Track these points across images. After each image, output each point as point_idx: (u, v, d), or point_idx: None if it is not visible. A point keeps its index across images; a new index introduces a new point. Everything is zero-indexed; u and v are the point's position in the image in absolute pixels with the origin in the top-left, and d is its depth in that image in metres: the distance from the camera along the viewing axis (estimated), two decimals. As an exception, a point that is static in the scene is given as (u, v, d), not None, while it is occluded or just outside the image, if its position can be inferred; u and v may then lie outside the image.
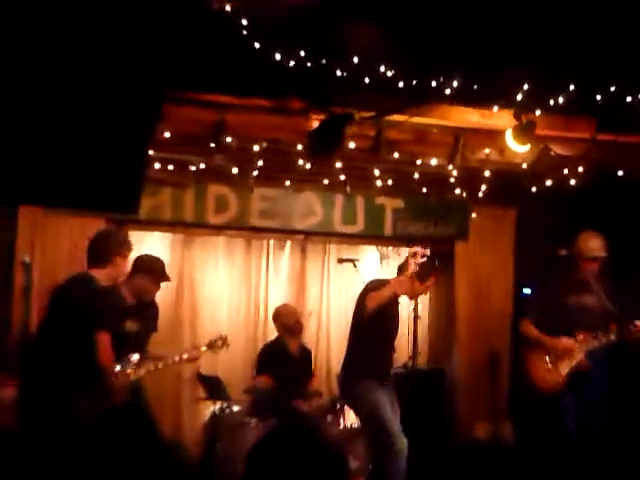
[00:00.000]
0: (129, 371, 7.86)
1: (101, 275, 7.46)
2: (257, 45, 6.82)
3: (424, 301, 10.58)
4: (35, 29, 6.70)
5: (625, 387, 9.13)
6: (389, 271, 10.62)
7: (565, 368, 8.54)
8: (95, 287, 7.37)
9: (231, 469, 8.62)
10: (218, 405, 9.26)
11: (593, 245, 8.63)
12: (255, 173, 9.25)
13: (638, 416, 9.30)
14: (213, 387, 9.38)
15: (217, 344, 8.70)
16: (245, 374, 10.27)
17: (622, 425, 8.94)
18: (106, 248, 7.52)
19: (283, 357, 9.75)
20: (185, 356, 8.40)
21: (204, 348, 8.62)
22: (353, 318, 8.29)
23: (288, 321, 9.92)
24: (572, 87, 7.30)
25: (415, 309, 9.16)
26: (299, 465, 3.36)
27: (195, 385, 9.65)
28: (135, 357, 7.71)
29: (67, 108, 7.22)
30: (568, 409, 8.49)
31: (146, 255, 8.69)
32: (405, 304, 9.11)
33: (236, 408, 9.30)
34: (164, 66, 7.06)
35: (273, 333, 10.30)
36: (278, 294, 10.78)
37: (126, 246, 7.71)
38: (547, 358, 8.61)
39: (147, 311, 8.45)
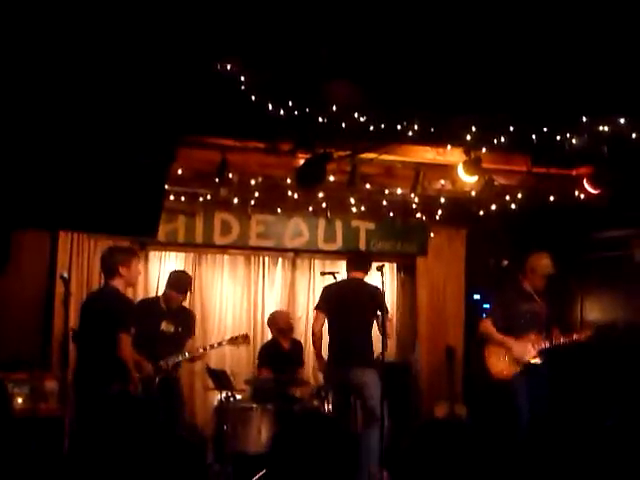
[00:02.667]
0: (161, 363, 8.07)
1: (118, 284, 7.50)
2: (253, 98, 6.79)
3: (389, 306, 10.62)
4: (73, 81, 6.76)
5: (563, 378, 9.17)
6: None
7: (520, 363, 8.54)
8: (116, 296, 7.40)
9: (237, 445, 8.63)
10: (224, 394, 9.24)
11: (545, 264, 8.65)
12: (253, 202, 9.26)
13: (574, 403, 9.33)
14: (220, 379, 9.35)
15: (239, 340, 9.04)
16: (247, 368, 10.21)
17: (561, 408, 8.97)
18: (112, 262, 7.56)
19: (278, 353, 9.72)
20: (200, 350, 8.76)
21: (225, 342, 9.00)
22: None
23: (280, 324, 9.90)
24: (511, 128, 7.30)
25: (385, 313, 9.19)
26: (319, 447, 3.32)
27: (205, 378, 9.60)
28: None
29: (103, 150, 7.30)
30: (520, 392, 8.49)
31: (174, 271, 9.20)
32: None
33: (239, 396, 9.26)
34: (178, 116, 7.16)
35: (268, 333, 10.27)
36: (273, 301, 10.71)
37: (128, 257, 7.72)
38: (505, 354, 8.61)
39: (182, 316, 8.82)
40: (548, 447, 8.26)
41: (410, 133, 7.27)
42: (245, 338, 9.09)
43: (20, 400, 8.06)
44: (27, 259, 9.04)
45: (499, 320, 8.66)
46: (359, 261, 8.86)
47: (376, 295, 8.29)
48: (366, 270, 8.78)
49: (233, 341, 9.02)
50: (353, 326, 8.44)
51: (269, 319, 10.12)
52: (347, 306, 8.54)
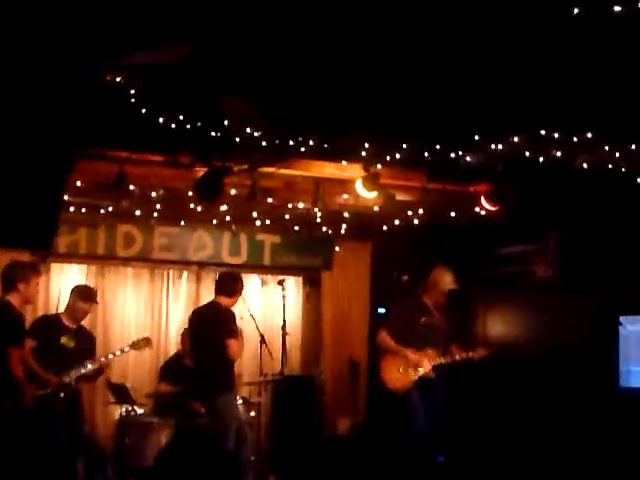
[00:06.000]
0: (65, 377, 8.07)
1: (14, 299, 7.45)
2: (143, 110, 6.82)
3: (294, 320, 10.74)
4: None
5: (460, 392, 9.30)
6: (268, 294, 10.84)
7: (414, 375, 8.65)
8: (7, 311, 7.35)
9: (137, 459, 8.70)
10: (125, 408, 9.23)
11: (447, 279, 8.77)
12: (155, 214, 9.22)
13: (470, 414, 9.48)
14: (121, 393, 9.33)
15: (140, 344, 8.95)
16: (149, 382, 10.14)
17: (458, 421, 9.10)
18: (12, 276, 7.51)
19: (181, 369, 9.68)
20: (103, 359, 8.66)
21: (127, 348, 8.86)
22: None
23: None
24: (405, 145, 7.42)
25: (284, 327, 9.27)
26: (200, 465, 3.34)
27: (106, 392, 9.58)
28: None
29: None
30: (417, 407, 8.60)
31: (80, 284, 9.13)
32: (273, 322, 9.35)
33: (140, 410, 9.25)
34: (74, 128, 7.15)
35: (172, 347, 10.33)
36: (177, 315, 10.67)
37: (29, 273, 7.69)
38: (400, 365, 8.71)
39: (82, 333, 8.77)
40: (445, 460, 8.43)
41: (304, 148, 7.33)
42: (147, 341, 9.03)
43: None
44: None
45: (396, 332, 8.76)
46: (221, 284, 8.89)
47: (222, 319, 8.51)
48: (228, 294, 8.77)
49: (135, 346, 8.93)
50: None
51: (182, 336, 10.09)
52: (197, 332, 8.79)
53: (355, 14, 6.19)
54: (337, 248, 10.55)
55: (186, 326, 9.71)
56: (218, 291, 8.74)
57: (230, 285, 8.76)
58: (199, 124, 7.04)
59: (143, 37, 6.26)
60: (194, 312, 9.05)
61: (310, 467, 4.04)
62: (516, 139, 7.42)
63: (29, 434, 7.12)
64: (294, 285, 11.04)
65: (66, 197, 8.31)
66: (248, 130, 7.14)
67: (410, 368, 8.65)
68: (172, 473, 3.37)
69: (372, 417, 9.75)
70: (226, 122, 7.09)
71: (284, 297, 8.80)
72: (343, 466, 3.96)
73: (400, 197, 8.50)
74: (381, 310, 10.45)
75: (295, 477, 4.00)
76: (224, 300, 8.66)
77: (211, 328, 8.50)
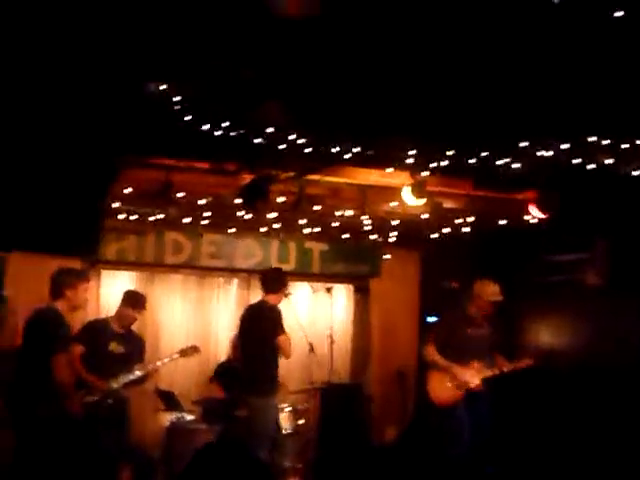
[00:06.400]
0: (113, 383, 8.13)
1: (60, 305, 7.51)
2: (187, 118, 6.87)
3: (343, 328, 10.75)
4: (13, 105, 6.85)
5: (506, 405, 9.21)
6: (316, 302, 10.84)
7: (461, 391, 8.58)
8: (53, 317, 7.41)
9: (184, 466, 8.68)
10: (175, 414, 9.28)
11: (491, 291, 8.67)
12: (203, 222, 9.26)
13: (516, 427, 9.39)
14: (169, 400, 9.40)
15: (188, 352, 8.92)
16: (198, 389, 10.19)
17: (503, 434, 9.01)
18: (60, 283, 7.58)
19: (231, 375, 9.69)
20: (150, 366, 8.62)
21: (176, 355, 8.84)
22: None
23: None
24: (451, 152, 7.38)
25: (331, 335, 9.27)
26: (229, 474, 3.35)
27: (155, 398, 9.63)
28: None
29: (47, 178, 7.41)
30: (462, 420, 8.52)
31: (130, 290, 9.10)
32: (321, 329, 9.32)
33: (190, 417, 9.31)
34: (119, 137, 7.26)
35: (222, 354, 10.34)
36: (226, 322, 10.71)
37: (76, 281, 7.75)
38: (447, 380, 8.63)
39: (132, 338, 8.76)
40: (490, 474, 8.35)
41: (348, 155, 7.33)
42: (195, 349, 9.00)
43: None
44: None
45: (442, 345, 8.68)
46: (266, 281, 8.87)
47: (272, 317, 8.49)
48: (274, 291, 8.76)
49: (183, 353, 8.91)
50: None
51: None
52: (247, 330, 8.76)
53: (397, 19, 6.20)
54: (386, 256, 10.54)
55: (236, 332, 9.76)
56: (265, 290, 8.77)
57: (275, 281, 8.78)
58: (243, 131, 7.07)
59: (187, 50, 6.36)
60: (244, 311, 9.06)
61: (356, 475, 4.04)
62: (563, 146, 7.34)
63: (69, 439, 7.26)
64: (343, 293, 11.05)
65: (114, 205, 8.48)
66: (292, 137, 7.15)
67: (457, 384, 8.56)
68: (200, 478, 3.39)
69: (418, 427, 9.69)
70: (270, 129, 7.10)
71: (331, 305, 8.78)
72: (389, 475, 3.94)
73: (447, 205, 8.50)
74: (430, 319, 10.39)
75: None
76: (271, 298, 8.67)
77: (262, 326, 8.50)
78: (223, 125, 6.99)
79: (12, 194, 7.71)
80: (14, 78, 6.52)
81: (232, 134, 7.03)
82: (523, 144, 7.33)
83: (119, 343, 8.58)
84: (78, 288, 7.77)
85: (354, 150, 7.35)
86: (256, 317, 8.67)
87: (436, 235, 9.54)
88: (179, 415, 9.26)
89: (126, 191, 8.20)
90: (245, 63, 6.49)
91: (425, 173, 7.83)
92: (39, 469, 7.06)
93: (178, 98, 6.73)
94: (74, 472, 7.35)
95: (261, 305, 8.72)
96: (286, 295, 8.93)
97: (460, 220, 9.00)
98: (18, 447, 7.25)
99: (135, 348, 8.71)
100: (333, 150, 7.28)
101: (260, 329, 8.48)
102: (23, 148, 7.35)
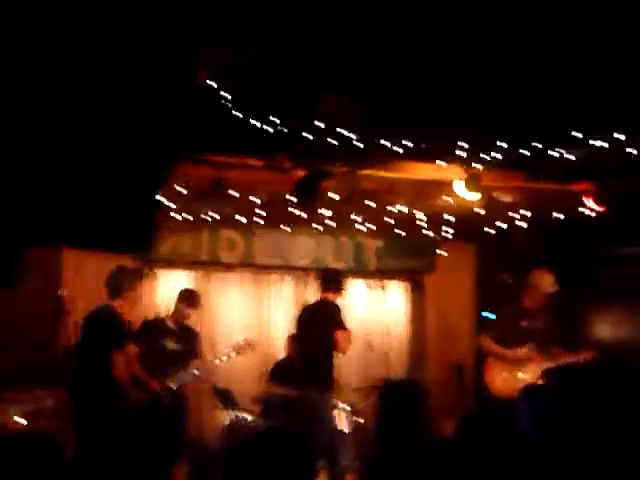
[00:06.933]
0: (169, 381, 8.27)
1: (118, 304, 7.62)
2: (238, 114, 6.91)
3: (399, 324, 10.76)
4: (72, 104, 6.95)
5: (568, 397, 9.13)
6: (372, 298, 10.83)
7: (519, 381, 8.54)
8: (111, 316, 7.50)
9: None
10: (233, 412, 9.34)
11: (547, 282, 8.61)
12: (257, 219, 9.26)
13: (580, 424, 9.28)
14: (226, 397, 9.47)
15: (243, 348, 9.04)
16: (254, 386, 10.17)
17: (567, 429, 8.92)
18: (118, 282, 7.66)
19: (289, 373, 9.76)
20: (207, 364, 8.81)
21: (233, 353, 8.95)
22: None
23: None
24: (504, 144, 7.34)
25: (386, 332, 9.28)
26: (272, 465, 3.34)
27: (211, 396, 9.71)
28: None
29: (100, 177, 7.51)
30: (522, 412, 8.46)
31: (185, 288, 9.23)
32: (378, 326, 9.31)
33: (249, 415, 9.37)
34: (173, 133, 7.31)
35: (278, 351, 10.40)
36: (281, 320, 10.76)
37: (135, 280, 7.84)
38: (504, 371, 8.59)
39: (187, 335, 8.88)
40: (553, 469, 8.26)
41: (401, 150, 7.32)
42: (250, 346, 9.12)
43: (21, 417, 8.19)
44: (34, 276, 9.20)
45: (498, 337, 8.63)
46: (326, 281, 8.97)
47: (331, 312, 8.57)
48: (333, 291, 8.86)
49: (239, 351, 9.03)
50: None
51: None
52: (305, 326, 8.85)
53: (448, 11, 6.21)
54: (441, 251, 10.52)
55: (292, 330, 9.82)
56: (324, 289, 8.83)
57: (335, 282, 8.88)
58: (295, 126, 7.09)
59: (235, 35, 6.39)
60: (302, 309, 9.16)
61: (416, 471, 4.01)
62: (619, 136, 7.26)
63: (127, 436, 7.34)
64: (398, 289, 11.08)
65: (168, 203, 8.53)
66: (344, 132, 7.16)
67: (515, 374, 8.52)
68: (244, 471, 3.37)
69: (477, 421, 9.63)
70: (322, 124, 7.11)
71: (387, 301, 8.79)
72: (449, 470, 3.91)
73: (501, 198, 8.46)
74: (487, 314, 10.33)
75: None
76: (331, 297, 8.75)
77: (320, 321, 8.62)
78: (274, 120, 7.02)
79: (67, 191, 7.78)
80: (69, 74, 6.59)
81: (284, 129, 7.06)
82: (578, 134, 7.29)
83: (174, 340, 8.68)
84: (136, 288, 7.89)
85: (406, 144, 7.34)
86: (316, 313, 8.74)
87: (491, 229, 9.49)
88: (237, 412, 9.32)
89: (180, 188, 8.24)
90: (298, 56, 6.52)
91: (478, 166, 7.78)
92: (97, 464, 7.17)
93: (228, 94, 6.81)
94: (131, 468, 7.43)
95: (321, 302, 8.82)
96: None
97: (515, 213, 8.94)
98: (78, 442, 7.38)
99: (191, 345, 8.81)
100: (385, 144, 7.27)
101: (319, 325, 8.54)
102: (77, 145, 7.36)
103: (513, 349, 8.52)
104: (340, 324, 8.47)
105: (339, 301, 8.83)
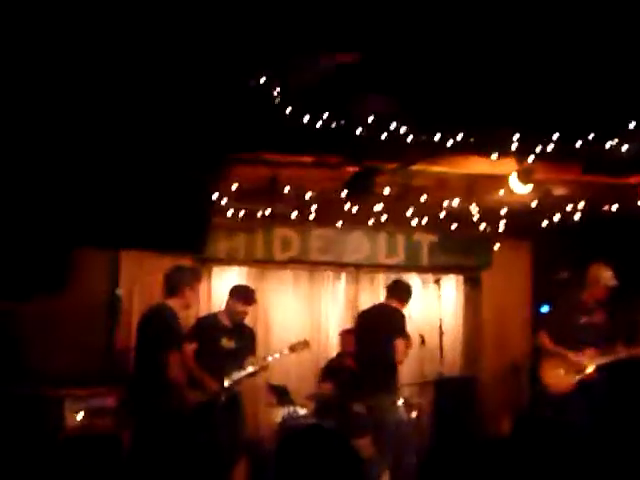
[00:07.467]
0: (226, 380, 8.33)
1: (174, 303, 7.66)
2: (288, 110, 6.97)
3: (454, 320, 10.82)
4: (124, 106, 7.05)
5: (623, 393, 9.07)
6: (427, 294, 10.90)
7: (576, 378, 8.49)
8: (168, 315, 7.56)
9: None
10: (288, 409, 9.40)
11: (606, 276, 8.55)
12: (311, 217, 9.37)
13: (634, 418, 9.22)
14: (281, 394, 9.52)
15: (299, 347, 9.08)
16: (309, 383, 10.31)
17: (620, 424, 8.87)
18: (177, 281, 7.73)
19: (342, 370, 9.78)
20: (262, 361, 8.77)
21: (286, 351, 8.99)
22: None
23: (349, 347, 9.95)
24: (557, 136, 7.30)
25: (440, 327, 9.28)
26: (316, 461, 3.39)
27: (267, 393, 9.79)
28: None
29: (156, 178, 7.62)
30: (578, 408, 8.43)
31: (238, 284, 9.23)
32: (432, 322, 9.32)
33: (303, 411, 9.42)
34: (225, 134, 7.39)
35: (332, 348, 10.49)
36: (336, 316, 10.88)
37: (193, 279, 7.90)
38: (561, 367, 8.56)
39: (242, 332, 8.85)
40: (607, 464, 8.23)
41: (451, 144, 7.32)
42: (305, 344, 9.15)
43: (78, 417, 8.33)
44: (90, 276, 9.41)
45: (555, 334, 8.61)
46: (395, 289, 9.01)
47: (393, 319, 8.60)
48: (400, 300, 8.91)
49: (294, 348, 9.06)
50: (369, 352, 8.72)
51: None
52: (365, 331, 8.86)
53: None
54: (496, 246, 10.50)
55: (346, 326, 9.87)
56: (390, 295, 8.89)
57: (404, 292, 8.93)
58: (344, 122, 7.13)
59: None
60: (362, 313, 9.19)
61: (471, 468, 4.06)
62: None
63: (185, 435, 7.43)
64: (453, 285, 11.09)
65: (223, 202, 8.64)
66: (394, 127, 7.18)
67: (571, 371, 8.48)
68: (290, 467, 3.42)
69: (533, 418, 9.61)
70: (372, 119, 7.15)
71: (441, 297, 8.80)
72: (505, 467, 3.96)
73: (556, 191, 8.42)
74: (544, 308, 10.29)
75: (457, 477, 4.02)
76: (395, 304, 8.80)
77: (381, 327, 8.62)
78: (324, 117, 7.06)
79: (122, 192, 7.89)
80: (124, 76, 6.71)
81: (334, 126, 7.11)
82: (632, 125, 7.24)
83: (230, 338, 8.67)
84: (195, 286, 7.92)
85: (457, 138, 7.36)
86: (377, 317, 8.78)
87: (546, 223, 9.45)
88: (291, 410, 9.37)
89: (233, 188, 8.37)
90: (346, 51, 6.56)
91: (531, 159, 7.73)
92: (155, 463, 7.25)
93: (277, 92, 6.86)
94: (190, 468, 7.52)
95: (385, 306, 8.87)
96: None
97: (570, 207, 8.90)
98: (135, 442, 7.49)
99: (246, 342, 8.80)
100: (436, 139, 7.29)
101: (381, 330, 8.57)
102: (132, 147, 7.51)
103: (574, 351, 8.48)
104: (402, 332, 8.51)
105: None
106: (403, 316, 8.68)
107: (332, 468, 3.43)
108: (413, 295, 9.21)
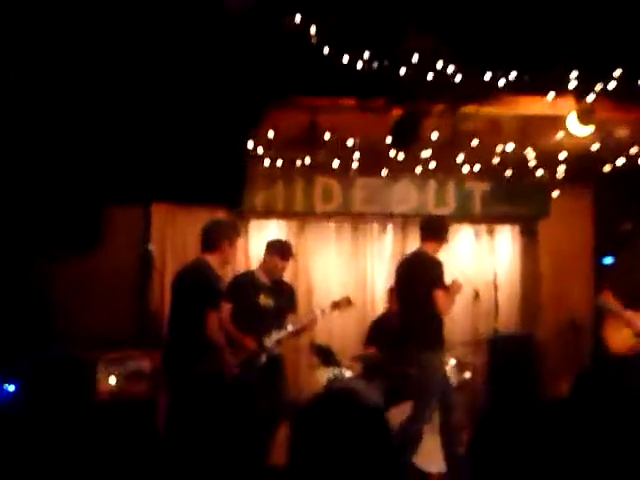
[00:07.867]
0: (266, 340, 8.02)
1: (212, 259, 7.35)
2: (326, 50, 6.59)
3: (510, 273, 10.41)
4: (159, 56, 6.83)
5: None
6: (479, 246, 10.52)
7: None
8: (206, 271, 7.27)
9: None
10: (332, 371, 9.09)
11: None
12: (354, 165, 9.09)
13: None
14: (326, 355, 9.21)
15: (341, 304, 8.68)
16: (355, 343, 9.87)
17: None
18: (215, 235, 7.40)
19: (388, 330, 9.39)
20: (303, 319, 8.49)
21: (327, 309, 8.61)
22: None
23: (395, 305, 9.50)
24: (620, 72, 6.87)
25: (495, 281, 8.87)
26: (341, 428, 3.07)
27: (310, 355, 9.47)
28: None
29: (188, 128, 7.42)
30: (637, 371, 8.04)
31: (274, 239, 8.84)
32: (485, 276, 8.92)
33: (349, 373, 9.10)
34: (261, 78, 7.08)
35: (379, 306, 10.08)
36: (382, 272, 10.43)
37: (233, 233, 7.59)
38: (625, 328, 8.14)
39: (281, 289, 8.50)
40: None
41: (503, 83, 6.91)
42: (348, 301, 8.76)
43: (113, 380, 8.08)
44: (121, 233, 9.13)
45: (622, 293, 8.09)
46: (428, 228, 8.22)
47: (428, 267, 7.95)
48: (434, 239, 8.12)
49: (336, 306, 8.66)
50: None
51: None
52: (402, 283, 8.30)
53: None
54: (555, 194, 9.97)
55: (393, 282, 9.46)
56: (424, 237, 8.24)
57: (437, 229, 8.22)
58: (387, 62, 6.75)
59: None
60: (400, 262, 8.67)
61: (527, 430, 3.63)
62: None
63: (225, 398, 7.17)
64: (508, 235, 10.66)
65: (259, 151, 8.35)
66: (441, 67, 6.79)
67: (636, 332, 8.04)
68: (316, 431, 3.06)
69: (594, 379, 9.19)
70: (417, 58, 6.75)
71: (495, 249, 8.37)
72: (562, 429, 3.53)
73: (619, 133, 8.00)
74: (607, 260, 9.84)
75: (511, 439, 3.61)
76: (430, 246, 8.10)
77: (416, 278, 7.94)
78: (365, 57, 6.69)
79: (152, 143, 7.65)
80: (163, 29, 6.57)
81: (376, 66, 6.74)
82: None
83: (268, 296, 8.30)
84: (234, 241, 7.62)
85: (510, 76, 6.92)
86: (413, 268, 8.24)
87: (609, 168, 9.01)
88: (337, 371, 9.06)
89: (270, 135, 8.06)
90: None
91: (591, 97, 7.27)
92: (192, 429, 7.02)
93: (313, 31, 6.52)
94: (230, 431, 7.28)
95: (419, 255, 8.25)
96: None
97: (635, 150, 8.46)
98: (172, 406, 7.23)
99: (286, 300, 8.44)
100: (487, 78, 6.86)
101: (418, 281, 8.05)
102: (162, 95, 7.26)
103: (636, 306, 8.00)
104: (439, 283, 7.92)
105: (441, 252, 8.30)
106: (439, 263, 7.88)
107: (354, 443, 3.07)
108: (462, 243, 8.79)
